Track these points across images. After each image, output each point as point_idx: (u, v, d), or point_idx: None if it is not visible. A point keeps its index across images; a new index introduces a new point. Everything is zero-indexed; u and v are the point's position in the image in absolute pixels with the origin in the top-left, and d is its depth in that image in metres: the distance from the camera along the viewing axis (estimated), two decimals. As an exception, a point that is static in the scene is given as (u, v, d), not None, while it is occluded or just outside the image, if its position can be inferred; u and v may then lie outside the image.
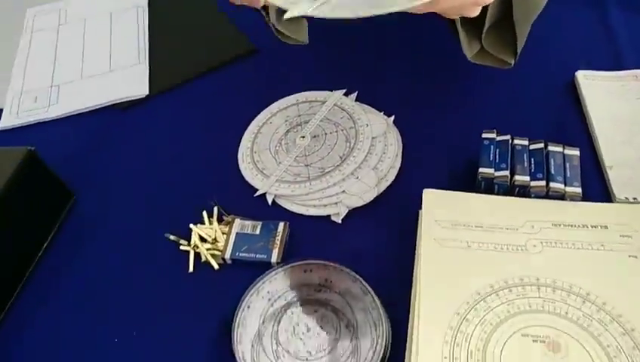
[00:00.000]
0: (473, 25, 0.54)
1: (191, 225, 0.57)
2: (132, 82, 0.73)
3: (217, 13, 0.82)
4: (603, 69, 0.65)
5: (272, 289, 0.49)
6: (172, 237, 0.57)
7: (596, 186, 0.56)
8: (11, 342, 0.52)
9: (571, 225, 0.50)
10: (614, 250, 0.48)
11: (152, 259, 0.56)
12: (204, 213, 0.58)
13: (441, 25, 0.62)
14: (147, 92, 0.72)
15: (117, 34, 0.81)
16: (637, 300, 0.44)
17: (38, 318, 0.54)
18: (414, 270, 0.50)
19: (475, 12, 0.46)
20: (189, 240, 0.56)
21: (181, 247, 0.56)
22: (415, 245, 0.53)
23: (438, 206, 0.52)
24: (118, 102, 0.72)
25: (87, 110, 0.72)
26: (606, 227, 0.49)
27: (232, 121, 0.67)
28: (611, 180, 0.56)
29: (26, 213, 0.56)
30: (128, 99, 0.72)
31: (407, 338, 0.46)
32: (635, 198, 0.54)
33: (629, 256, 0.47)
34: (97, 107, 0.72)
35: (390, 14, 0.38)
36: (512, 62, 0.56)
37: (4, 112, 0.73)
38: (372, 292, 0.47)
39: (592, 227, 0.49)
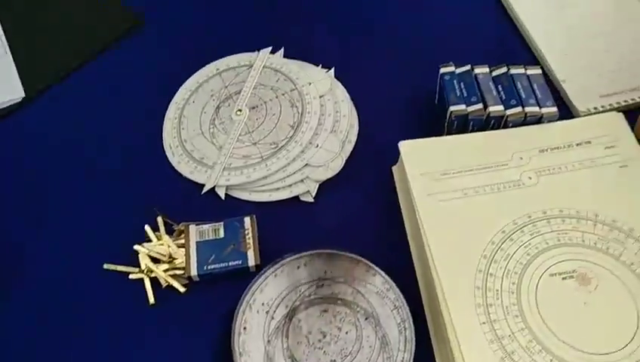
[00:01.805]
0: None
1: (135, 247, 0.46)
2: (-2, 85, 0.57)
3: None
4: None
5: (267, 300, 0.41)
6: (118, 268, 0.46)
7: (555, 100, 0.54)
8: None
9: (557, 148, 0.47)
10: (605, 163, 0.46)
11: (98, 301, 0.45)
12: (147, 228, 0.47)
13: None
14: (23, 93, 0.57)
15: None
16: (642, 209, 0.43)
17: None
18: (407, 227, 0.45)
19: None
20: (137, 265, 0.45)
21: (130, 276, 0.45)
22: (397, 204, 0.48)
23: (419, 158, 0.47)
24: (-16, 113, 0.56)
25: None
26: (589, 142, 0.47)
27: (143, 109, 0.56)
28: (569, 94, 0.54)
29: None
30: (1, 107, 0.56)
31: (426, 305, 0.41)
32: (595, 108, 0.53)
33: (620, 167, 0.46)
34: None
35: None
36: None
37: None
38: (381, 272, 0.41)
39: (576, 145, 0.47)
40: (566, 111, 0.54)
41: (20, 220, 0.49)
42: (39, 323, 0.44)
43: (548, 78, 0.56)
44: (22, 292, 0.46)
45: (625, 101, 0.53)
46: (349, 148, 0.51)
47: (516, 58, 0.56)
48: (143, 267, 0.45)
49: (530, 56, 0.58)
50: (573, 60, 0.56)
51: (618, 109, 0.52)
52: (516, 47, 0.59)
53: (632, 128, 0.48)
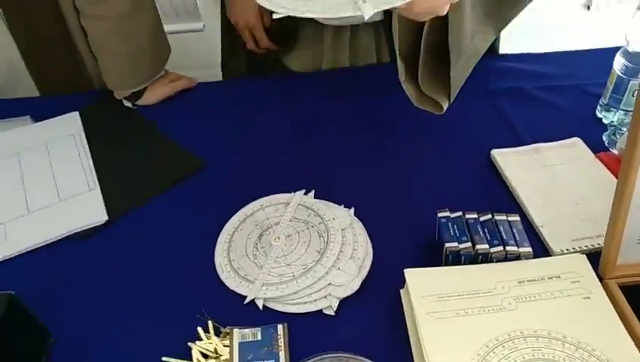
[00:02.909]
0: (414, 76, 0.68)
1: (189, 344, 0.57)
2: (87, 210, 0.73)
3: (157, 132, 0.85)
4: (508, 145, 0.79)
5: (294, 392, 0.51)
6: (173, 361, 0.56)
7: (534, 243, 0.66)
8: None
9: (532, 280, 0.58)
10: (571, 294, 0.57)
11: (153, 388, 0.55)
12: (200, 330, 0.58)
13: (380, 123, 0.73)
14: (106, 217, 0.72)
15: (58, 164, 0.80)
16: (602, 333, 0.53)
17: None
18: (411, 339, 0.55)
19: (445, 10, 0.57)
20: (190, 359, 0.56)
21: (183, 369, 0.56)
22: (404, 318, 0.59)
23: (420, 283, 0.59)
24: (75, 232, 0.70)
25: (41, 245, 0.69)
26: (559, 277, 0.59)
27: (199, 235, 0.70)
28: (546, 237, 0.67)
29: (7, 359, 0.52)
30: (87, 228, 0.71)
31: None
32: (567, 249, 0.65)
33: (584, 298, 0.57)
34: (53, 240, 0.70)
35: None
36: (446, 105, 0.70)
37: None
38: (387, 374, 0.51)
39: (548, 279, 0.59)
40: (543, 250, 0.66)
41: (97, 316, 0.61)
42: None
43: (529, 223, 0.69)
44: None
45: (592, 245, 0.65)
46: (365, 272, 0.63)
47: (502, 207, 0.69)
48: (194, 361, 0.55)
49: (516, 206, 0.71)
50: (550, 210, 0.70)
51: (585, 251, 0.64)
52: (504, 198, 0.73)
53: (596, 267, 0.60)
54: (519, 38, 1.01)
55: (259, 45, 0.94)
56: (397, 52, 0.67)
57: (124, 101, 0.92)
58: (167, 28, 0.93)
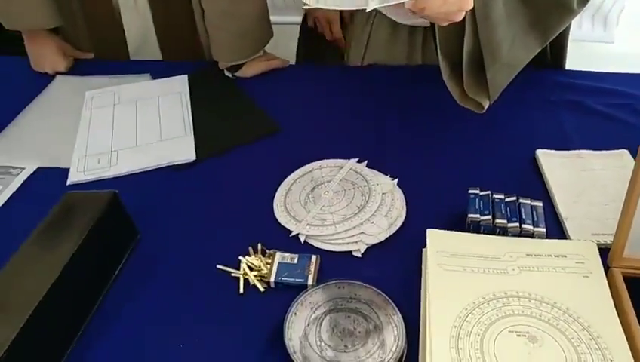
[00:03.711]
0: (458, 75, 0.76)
1: (240, 258, 0.70)
2: (181, 149, 0.89)
3: (246, 98, 1.01)
4: (555, 149, 0.85)
5: (314, 301, 0.62)
6: (224, 268, 0.70)
7: (556, 232, 0.73)
8: (86, 358, 0.62)
9: (540, 255, 0.65)
10: (572, 272, 0.63)
11: (207, 285, 0.69)
12: (250, 248, 0.72)
13: (437, 113, 0.83)
14: (194, 157, 0.88)
15: (164, 113, 0.98)
16: (591, 306, 0.59)
17: (113, 332, 0.65)
18: (422, 287, 0.64)
19: (460, 17, 0.62)
20: (239, 269, 0.69)
21: (232, 275, 0.69)
22: (420, 272, 0.68)
23: (439, 241, 0.68)
24: (169, 165, 0.87)
25: (142, 171, 0.87)
26: (565, 256, 0.65)
27: (265, 182, 0.83)
28: (567, 228, 0.73)
29: (104, 246, 0.69)
30: (178, 163, 0.87)
31: (420, 336, 0.59)
32: (585, 240, 0.71)
33: (583, 276, 0.63)
34: (151, 168, 0.87)
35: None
36: (486, 105, 0.77)
37: (71, 170, 0.87)
38: (392, 302, 0.61)
39: (555, 256, 0.65)
40: (564, 238, 0.72)
41: (174, 228, 0.77)
42: (171, 296, 0.69)
43: (555, 215, 0.75)
44: (162, 274, 0.71)
45: (610, 241, 0.70)
46: (394, 229, 0.73)
47: (537, 197, 0.75)
48: (241, 270, 0.69)
49: (548, 201, 0.78)
50: (579, 207, 0.75)
51: (602, 245, 0.69)
52: (538, 192, 0.79)
53: (606, 259, 0.65)
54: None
55: (333, 35, 1.09)
56: (439, 52, 0.76)
57: (225, 71, 1.09)
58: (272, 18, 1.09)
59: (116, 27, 1.14)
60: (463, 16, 0.64)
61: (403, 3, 0.61)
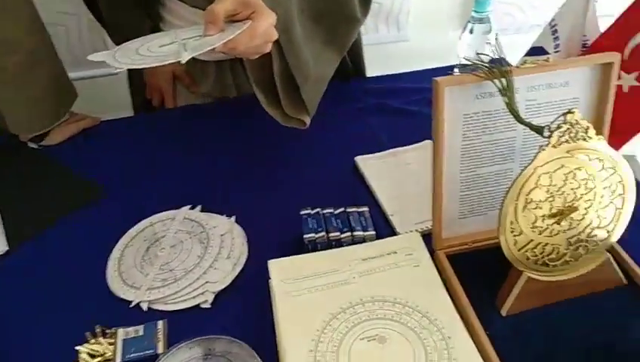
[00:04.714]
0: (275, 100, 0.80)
1: (77, 347, 0.64)
2: (-12, 242, 0.79)
3: (60, 167, 0.93)
4: (371, 152, 0.91)
5: (167, 370, 0.59)
6: (62, 363, 0.63)
7: (387, 230, 0.78)
8: None
9: (374, 257, 0.69)
10: (404, 265, 0.68)
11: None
12: (87, 334, 0.66)
13: (256, 134, 0.84)
14: (7, 247, 0.78)
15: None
16: (425, 292, 0.65)
17: None
18: (275, 322, 0.65)
19: (269, 48, 0.67)
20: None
21: (72, 368, 0.63)
22: (271, 306, 0.68)
23: (281, 270, 0.69)
24: (-24, 263, 0.77)
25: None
26: (396, 252, 0.70)
27: (95, 253, 0.77)
28: (394, 223, 0.78)
29: None
30: (-12, 258, 0.77)
31: (282, 370, 0.59)
32: (410, 231, 0.77)
33: (414, 266, 0.68)
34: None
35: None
36: (308, 120, 0.82)
37: None
38: (248, 347, 0.60)
39: (387, 254, 0.70)
40: (393, 234, 0.77)
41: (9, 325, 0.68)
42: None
43: (383, 214, 0.81)
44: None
45: (429, 227, 0.77)
46: (239, 268, 0.73)
47: (364, 201, 0.81)
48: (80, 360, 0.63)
49: (374, 201, 0.83)
50: (400, 202, 0.81)
51: (426, 231, 0.75)
52: (364, 196, 0.84)
53: (430, 244, 0.71)
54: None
55: (163, 104, 1.07)
56: (252, 82, 0.78)
57: (28, 143, 0.99)
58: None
59: None
60: (270, 47, 0.68)
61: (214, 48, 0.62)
